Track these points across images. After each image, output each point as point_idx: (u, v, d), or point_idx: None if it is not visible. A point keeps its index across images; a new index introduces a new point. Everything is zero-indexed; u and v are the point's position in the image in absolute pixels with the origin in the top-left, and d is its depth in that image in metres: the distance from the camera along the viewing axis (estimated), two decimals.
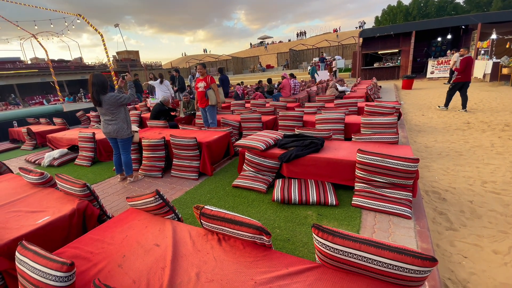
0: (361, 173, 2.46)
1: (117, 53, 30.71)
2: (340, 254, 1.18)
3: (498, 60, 10.41)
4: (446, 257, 2.04)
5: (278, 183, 2.87)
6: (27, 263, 1.30)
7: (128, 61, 28.54)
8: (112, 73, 11.50)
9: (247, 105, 6.97)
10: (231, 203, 2.82)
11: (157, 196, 1.78)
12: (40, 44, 14.90)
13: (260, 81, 11.79)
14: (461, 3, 34.07)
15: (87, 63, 28.97)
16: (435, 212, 2.58)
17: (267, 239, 1.40)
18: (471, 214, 2.52)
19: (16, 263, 1.38)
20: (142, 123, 6.74)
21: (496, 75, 10.51)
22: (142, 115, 6.91)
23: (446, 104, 6.88)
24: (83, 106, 10.90)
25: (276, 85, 9.64)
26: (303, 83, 12.19)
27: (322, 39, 31.98)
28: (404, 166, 2.25)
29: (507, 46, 11.48)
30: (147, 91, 15.39)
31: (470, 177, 3.22)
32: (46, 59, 25.91)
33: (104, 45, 10.71)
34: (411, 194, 2.37)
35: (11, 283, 1.77)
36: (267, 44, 48.02)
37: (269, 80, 10.11)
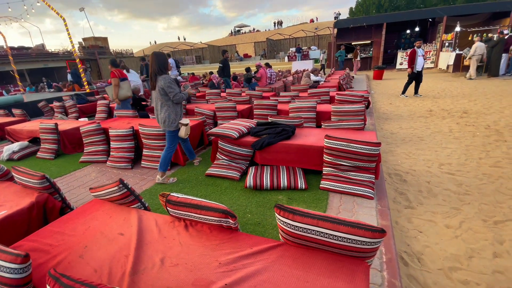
0: (328, 158, 2.57)
1: (84, 39, 28.54)
2: (300, 231, 1.25)
3: (461, 52, 11.15)
4: (403, 232, 2.22)
5: (251, 170, 2.90)
6: None
7: (95, 48, 26.69)
8: (78, 60, 10.71)
9: (223, 94, 6.88)
10: (203, 191, 2.82)
11: (121, 185, 1.73)
12: None
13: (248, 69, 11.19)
14: None
15: (50, 50, 26.67)
16: (396, 193, 2.77)
17: (233, 222, 1.43)
18: (428, 193, 2.74)
19: None
20: (110, 113, 6.41)
21: (458, 66, 11.27)
22: (110, 105, 6.56)
23: (403, 92, 7.67)
24: (46, 96, 10.08)
25: (253, 73, 9.60)
26: (280, 73, 12.23)
27: (299, 29, 32.07)
28: (367, 150, 2.38)
29: (470, 38, 12.30)
30: None
31: (429, 160, 3.48)
32: (4, 46, 23.45)
33: (67, 30, 9.87)
34: (374, 176, 2.52)
35: None
36: (244, 32, 47.24)
37: (247, 69, 10.02)
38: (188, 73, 16.96)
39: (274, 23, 47.37)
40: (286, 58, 21.26)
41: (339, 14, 42.70)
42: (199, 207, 1.49)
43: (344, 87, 7.27)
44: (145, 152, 3.58)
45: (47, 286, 1.03)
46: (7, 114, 6.98)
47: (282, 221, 1.29)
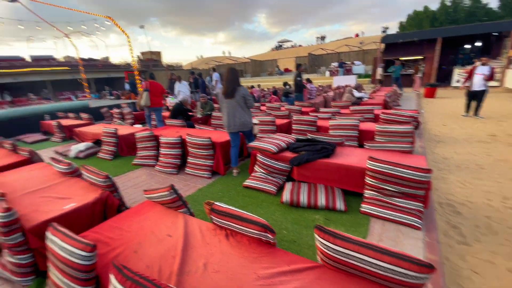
0: (371, 181, 2.47)
1: (141, 53, 32.00)
2: (340, 255, 1.23)
3: None
4: (455, 271, 2.00)
5: (288, 185, 2.92)
6: (56, 243, 1.46)
7: (150, 62, 29.68)
8: (136, 72, 12.03)
9: (263, 108, 7.07)
10: (241, 202, 2.92)
11: (171, 191, 1.90)
12: (72, 43, 15.94)
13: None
14: (495, 9, 32.30)
15: (113, 62, 30.43)
16: (448, 225, 2.52)
17: (271, 237, 1.48)
18: (487, 230, 2.44)
19: (47, 242, 1.54)
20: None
21: None
22: (161, 113, 7.19)
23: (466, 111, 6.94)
24: (107, 102, 11.49)
25: (290, 87, 9.70)
26: (320, 88, 12.11)
27: (342, 44, 31.55)
28: (415, 176, 2.23)
29: None
30: (167, 90, 15.95)
31: (489, 192, 3.10)
32: (76, 58, 27.60)
33: (130, 45, 11.26)
34: (422, 205, 2.34)
35: (40, 261, 1.96)
36: (286, 47, 48.04)
37: (285, 84, 10.17)
38: None
39: (317, 38, 47.42)
40: (327, 72, 21.00)
41: (387, 28, 41.07)
42: (240, 218, 1.57)
43: (391, 105, 6.91)
44: (189, 159, 3.84)
45: (111, 275, 1.18)
46: (76, 117, 8.12)
47: (322, 243, 1.29)
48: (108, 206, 2.35)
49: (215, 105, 7.05)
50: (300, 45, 49.34)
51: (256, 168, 3.37)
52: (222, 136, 4.05)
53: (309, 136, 3.54)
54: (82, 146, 5.07)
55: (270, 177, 3.18)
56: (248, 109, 3.48)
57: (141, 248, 1.58)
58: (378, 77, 14.24)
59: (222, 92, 3.39)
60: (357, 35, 44.41)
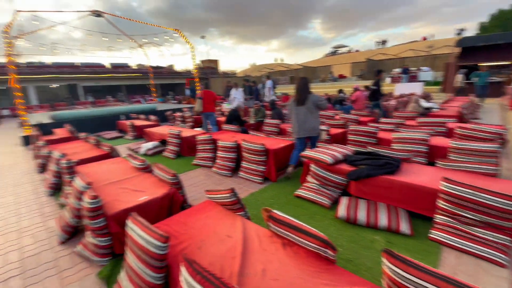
0: (445, 205, 2.18)
1: (201, 61, 34.72)
2: (413, 285, 1.12)
3: None
4: None
5: (344, 200, 2.79)
6: (135, 231, 1.68)
7: (208, 69, 31.95)
8: (197, 79, 13.10)
9: None
10: (292, 211, 2.89)
11: (232, 193, 2.01)
12: (145, 53, 18.26)
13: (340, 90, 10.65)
14: None
15: (176, 70, 33.71)
16: None
17: (332, 254, 1.43)
18: None
19: (127, 229, 1.78)
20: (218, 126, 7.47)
21: None
22: (217, 119, 7.65)
23: None
24: (171, 106, 12.75)
25: (344, 95, 9.27)
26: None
27: (407, 48, 28.88)
28: (503, 205, 1.90)
29: None
30: (223, 96, 16.91)
31: None
32: (147, 65, 31.41)
33: (193, 55, 12.34)
34: (510, 239, 1.97)
35: (116, 244, 2.27)
36: (341, 53, 46.23)
37: (340, 91, 9.79)
38: (281, 93, 17.89)
39: (377, 42, 44.43)
40: (388, 79, 19.44)
41: (462, 30, 36.10)
42: (299, 230, 1.56)
43: (468, 118, 6.02)
44: (243, 164, 3.99)
45: (182, 266, 1.31)
46: (145, 118, 9.20)
47: (391, 269, 1.20)
48: (174, 202, 2.59)
49: (267, 112, 7.18)
50: (357, 50, 46.93)
51: (309, 178, 3.31)
52: (275, 143, 4.10)
53: (370, 149, 3.32)
54: (150, 144, 5.73)
55: (323, 189, 3.08)
56: (318, 116, 3.68)
57: (204, 245, 1.70)
58: (457, 84, 12.27)
59: (294, 100, 3.65)
60: (424, 38, 40.15)
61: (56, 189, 3.81)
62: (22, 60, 21.59)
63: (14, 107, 18.66)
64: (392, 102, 8.83)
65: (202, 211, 2.16)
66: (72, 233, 2.64)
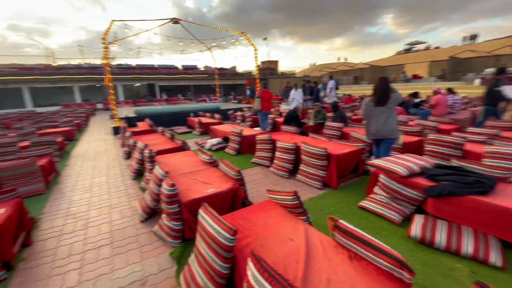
0: None
1: (261, 62, 35.58)
2: None
3: None
4: None
5: (419, 218, 2.48)
6: (206, 220, 1.83)
7: (268, 70, 32.53)
8: (258, 80, 13.49)
9: None
10: (355, 223, 2.72)
11: (295, 197, 2.00)
12: (212, 56, 19.72)
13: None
14: None
15: (238, 71, 35.39)
16: None
17: (408, 277, 1.29)
18: None
19: (199, 217, 1.96)
20: (275, 127, 7.56)
21: None
22: (275, 119, 7.73)
23: None
24: (232, 106, 13.46)
25: (417, 100, 8.18)
26: (466, 100, 9.62)
27: (504, 44, 23.84)
28: None
29: None
30: (280, 97, 17.00)
31: None
32: (213, 67, 33.85)
33: (256, 57, 12.75)
34: None
35: (187, 230, 2.52)
36: (417, 50, 41.08)
37: (414, 94, 8.71)
38: (344, 94, 16.96)
39: (464, 38, 38.02)
40: (477, 80, 16.42)
41: None
42: (370, 245, 1.46)
43: None
44: (302, 167, 3.94)
45: (250, 261, 1.37)
46: (211, 116, 9.92)
47: None
48: (237, 197, 2.74)
49: (328, 114, 6.91)
50: (437, 47, 41.04)
51: (377, 190, 3.05)
52: (338, 148, 3.92)
53: (455, 163, 2.87)
54: (215, 141, 6.16)
55: (394, 203, 2.80)
56: (396, 116, 3.57)
57: (267, 243, 1.75)
58: None
59: (372, 100, 3.55)
60: None
61: (138, 174, 4.45)
62: (114, 62, 25.88)
63: (106, 102, 22.57)
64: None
65: (263, 210, 2.22)
66: (151, 214, 3.05)
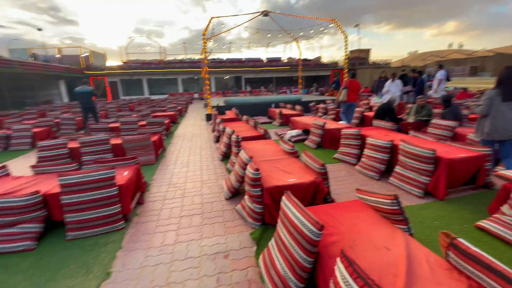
0: None
1: (351, 51, 32.78)
2: None
3: None
4: None
5: None
6: (290, 209, 1.78)
7: (357, 60, 29.70)
8: (346, 70, 12.51)
9: None
10: None
11: (395, 201, 1.72)
12: (298, 47, 19.42)
13: None
14: None
15: (322, 62, 33.77)
16: None
17: None
18: None
19: (282, 204, 1.93)
20: (363, 121, 6.85)
21: None
22: (363, 113, 6.99)
23: None
24: (314, 98, 12.99)
25: None
26: None
27: None
28: None
29: None
30: (370, 89, 15.29)
31: None
32: (296, 59, 33.45)
33: (346, 45, 11.78)
34: None
35: (266, 214, 2.57)
36: None
37: None
38: (455, 88, 13.85)
39: None
40: None
41: None
42: (505, 278, 1.09)
43: None
44: (397, 169, 3.41)
45: (338, 260, 1.24)
46: (291, 108, 9.85)
47: None
48: (318, 191, 2.59)
49: (435, 110, 5.74)
50: None
51: (506, 209, 2.33)
52: (450, 151, 3.19)
53: None
54: (294, 132, 6.09)
55: None
56: None
57: (356, 246, 1.57)
58: None
59: (498, 94, 3.09)
60: None
61: (225, 157, 4.85)
62: (209, 57, 28.94)
63: (201, 92, 25.65)
64: None
65: (351, 209, 2.01)
66: (234, 194, 3.26)
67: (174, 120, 9.91)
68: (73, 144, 4.78)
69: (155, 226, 2.70)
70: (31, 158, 5.33)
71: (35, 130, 6.77)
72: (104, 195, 2.56)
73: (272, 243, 1.94)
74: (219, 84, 30.65)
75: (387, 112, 5.64)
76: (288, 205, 1.82)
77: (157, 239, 2.47)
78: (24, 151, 6.22)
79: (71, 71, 22.48)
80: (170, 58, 32.63)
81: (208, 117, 10.15)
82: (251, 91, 25.81)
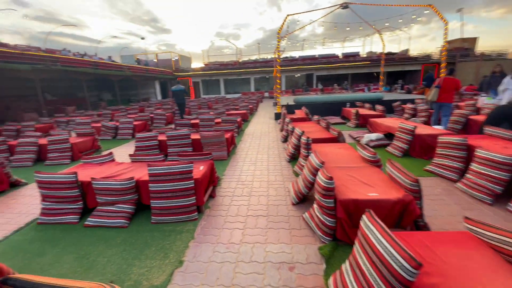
0: None
1: (449, 42, 27.36)
2: None
3: None
4: None
5: None
6: (373, 232, 1.49)
7: (459, 51, 24.55)
8: (443, 64, 10.47)
9: None
10: None
11: None
12: (381, 39, 17.33)
13: None
14: None
15: (410, 55, 29.35)
16: None
17: None
18: None
19: (362, 225, 1.65)
20: (466, 126, 5.53)
21: None
22: (468, 117, 5.63)
23: None
24: (399, 96, 11.35)
25: None
26: None
27: None
28: None
29: None
30: (477, 87, 12.37)
31: None
32: (377, 53, 30.08)
33: (446, 33, 9.80)
34: None
35: (339, 230, 2.29)
36: None
37: None
38: None
39: None
40: None
41: None
42: None
43: None
44: None
45: None
46: (370, 108, 8.85)
47: None
48: (408, 212, 2.15)
49: None
50: None
51: None
52: None
53: None
54: (373, 136, 5.40)
55: None
56: None
57: None
58: None
59: None
60: None
61: (292, 158, 4.69)
62: (282, 55, 29.02)
63: (271, 91, 26.01)
64: None
65: (458, 244, 1.56)
66: (302, 199, 3.08)
67: (246, 118, 10.30)
68: (162, 137, 5.48)
69: (224, 222, 2.78)
70: (131, 147, 6.39)
71: (136, 123, 8.11)
72: (182, 186, 2.77)
73: (346, 267, 1.68)
74: (289, 82, 30.50)
75: (507, 117, 4.37)
76: (371, 227, 1.53)
77: (225, 235, 2.52)
78: (126, 140, 7.54)
79: (164, 73, 26.28)
80: (245, 58, 34.28)
81: (277, 116, 10.14)
82: (323, 89, 24.63)
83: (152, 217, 2.82)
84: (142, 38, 41.49)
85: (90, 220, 2.81)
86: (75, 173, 2.91)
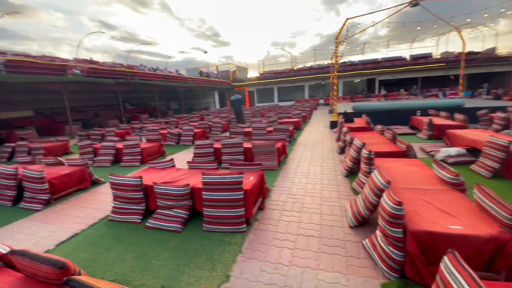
0: None
1: None
2: None
3: None
4: None
5: None
6: (459, 281, 1.17)
7: None
8: None
9: None
10: None
11: None
12: (461, 37, 14.90)
13: None
14: None
15: (499, 54, 24.47)
16: None
17: None
18: None
19: (443, 268, 1.32)
20: None
21: None
22: None
23: None
24: (484, 103, 9.47)
25: None
26: None
27: None
28: None
29: None
30: None
31: None
32: (455, 53, 25.99)
33: None
34: None
35: (409, 266, 1.91)
36: None
37: None
38: None
39: None
40: None
41: None
42: None
43: None
44: None
45: None
46: (447, 117, 7.59)
47: None
48: (502, 253, 1.66)
49: None
50: None
51: None
52: None
53: None
54: (453, 150, 4.56)
55: None
56: None
57: None
58: None
59: None
60: None
61: (350, 173, 4.28)
62: (340, 61, 27.70)
63: (327, 98, 24.98)
64: None
65: None
66: (362, 223, 2.73)
67: (298, 126, 10.05)
68: (217, 145, 5.72)
69: (272, 238, 2.65)
70: (191, 152, 6.86)
71: (196, 130, 8.74)
72: (232, 197, 2.77)
73: None
74: (347, 88, 28.86)
75: None
76: (455, 274, 1.21)
77: (273, 254, 2.39)
78: (187, 146, 8.15)
79: (222, 83, 28.02)
80: (300, 66, 33.98)
81: (333, 125, 9.59)
82: (386, 94, 22.48)
83: (204, 224, 2.89)
84: (205, 52, 45.28)
85: (150, 222, 3.04)
86: (141, 177, 3.20)
